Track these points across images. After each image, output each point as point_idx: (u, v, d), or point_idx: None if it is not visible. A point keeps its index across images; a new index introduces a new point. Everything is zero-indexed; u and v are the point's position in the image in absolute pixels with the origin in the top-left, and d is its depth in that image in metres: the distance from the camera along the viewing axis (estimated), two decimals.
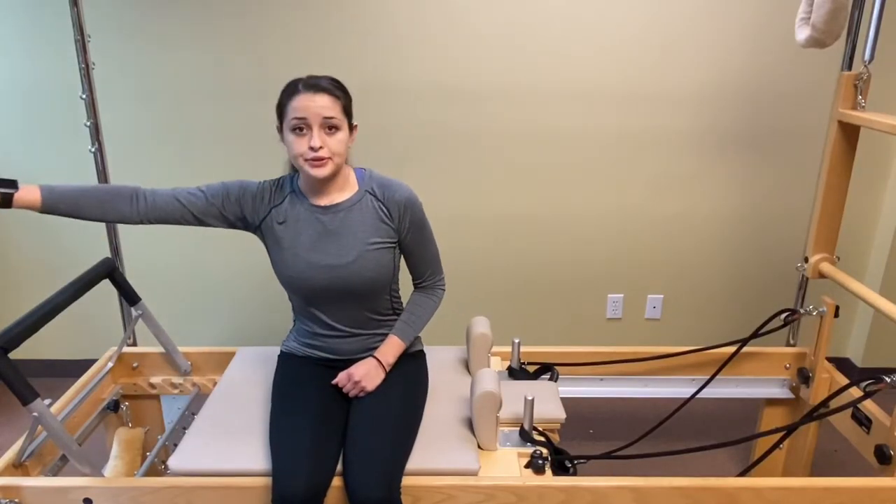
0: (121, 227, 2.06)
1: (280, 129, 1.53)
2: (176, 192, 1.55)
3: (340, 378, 1.59)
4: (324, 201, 1.57)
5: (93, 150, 1.92)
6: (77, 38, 1.81)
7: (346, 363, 1.63)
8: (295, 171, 1.62)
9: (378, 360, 1.61)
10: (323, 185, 1.55)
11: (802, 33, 1.81)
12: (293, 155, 1.49)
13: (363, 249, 1.55)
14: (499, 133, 2.56)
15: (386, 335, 1.65)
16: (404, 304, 1.71)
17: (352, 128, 1.54)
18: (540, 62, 2.47)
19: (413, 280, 1.71)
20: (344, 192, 1.58)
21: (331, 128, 1.47)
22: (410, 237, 1.61)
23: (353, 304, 1.61)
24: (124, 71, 2.48)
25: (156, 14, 2.41)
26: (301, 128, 1.46)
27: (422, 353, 1.76)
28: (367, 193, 1.58)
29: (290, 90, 1.48)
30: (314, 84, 1.47)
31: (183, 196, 1.55)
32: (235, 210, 1.59)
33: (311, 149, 1.45)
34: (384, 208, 1.57)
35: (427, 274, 1.69)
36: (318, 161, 1.47)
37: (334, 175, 1.53)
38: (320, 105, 1.45)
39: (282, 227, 1.57)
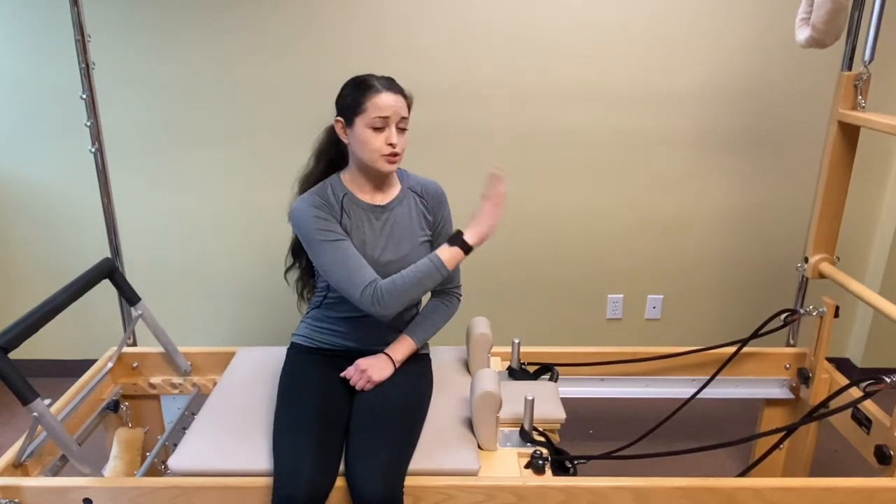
0: (121, 227, 2.06)
1: (347, 125, 1.56)
2: (355, 252, 1.57)
3: (348, 371, 1.62)
4: (378, 199, 1.65)
5: (93, 150, 1.92)
6: (77, 38, 1.81)
7: (359, 354, 1.65)
8: (333, 171, 1.66)
9: (388, 355, 1.64)
10: (381, 180, 1.64)
11: (802, 33, 1.81)
12: (368, 150, 1.54)
13: (414, 243, 1.65)
14: (498, 133, 2.56)
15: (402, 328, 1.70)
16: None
17: None
18: (539, 62, 2.47)
19: None
20: (392, 188, 1.68)
21: (402, 128, 1.56)
22: (441, 232, 1.71)
23: None
24: (124, 71, 2.48)
25: (156, 14, 2.41)
26: (381, 126, 1.52)
27: (427, 356, 1.78)
28: (409, 190, 1.68)
29: (367, 88, 1.53)
30: (393, 85, 1.55)
31: (355, 252, 1.57)
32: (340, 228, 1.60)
33: (391, 145, 1.53)
34: (425, 201, 1.69)
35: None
36: (393, 157, 1.55)
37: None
38: (400, 105, 1.54)
39: (349, 230, 1.61)
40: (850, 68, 1.91)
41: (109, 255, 2.00)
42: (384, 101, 1.51)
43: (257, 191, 2.63)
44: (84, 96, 1.87)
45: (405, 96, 1.57)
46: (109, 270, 1.87)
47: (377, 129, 1.53)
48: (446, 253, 1.56)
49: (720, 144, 2.58)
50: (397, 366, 1.64)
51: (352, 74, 1.60)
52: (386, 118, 1.52)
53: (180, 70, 2.48)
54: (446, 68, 2.47)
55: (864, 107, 1.85)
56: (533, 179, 2.62)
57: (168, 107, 2.52)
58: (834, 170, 1.92)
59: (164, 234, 2.69)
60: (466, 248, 1.57)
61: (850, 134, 1.88)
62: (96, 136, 1.91)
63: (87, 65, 1.84)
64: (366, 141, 1.53)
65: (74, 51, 1.82)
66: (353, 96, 1.54)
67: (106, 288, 1.88)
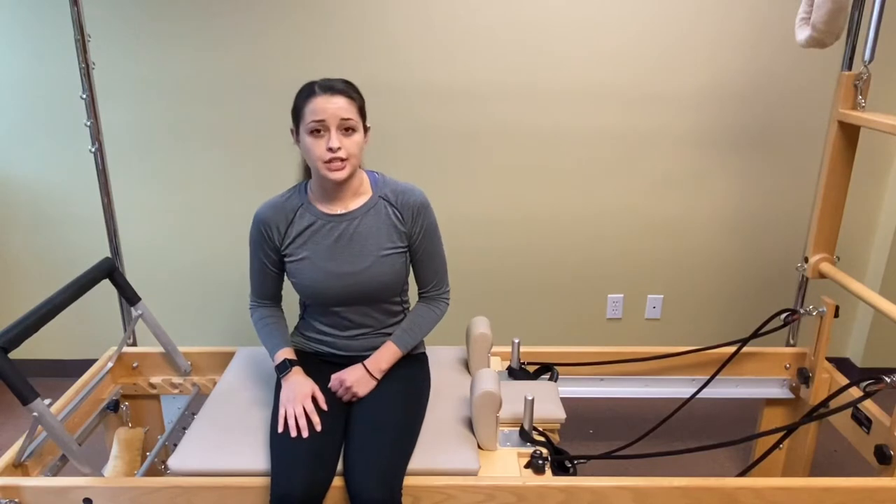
0: (121, 227, 2.06)
1: (295, 133, 1.54)
2: (269, 279, 1.72)
3: (333, 383, 1.59)
4: (338, 209, 1.58)
5: (93, 150, 1.92)
6: (77, 38, 1.81)
7: (351, 359, 1.64)
8: (308, 177, 1.63)
9: (367, 369, 1.60)
10: (338, 189, 1.56)
11: (802, 33, 1.81)
12: (311, 158, 1.49)
13: (377, 255, 1.57)
14: (499, 133, 2.56)
15: (392, 333, 1.67)
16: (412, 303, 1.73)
17: (366, 130, 1.55)
18: (539, 62, 2.47)
19: (418, 289, 1.71)
20: (358, 197, 1.59)
21: (347, 129, 1.48)
22: (420, 242, 1.62)
23: (367, 306, 1.63)
24: (124, 71, 2.48)
25: (156, 14, 2.41)
26: (319, 130, 1.47)
27: (424, 356, 1.77)
28: (381, 199, 1.60)
29: (306, 93, 1.49)
30: (330, 86, 1.48)
31: (272, 276, 1.71)
32: (274, 248, 1.63)
33: (330, 150, 1.46)
34: (398, 213, 1.59)
35: (432, 284, 1.69)
36: (337, 163, 1.47)
37: (350, 178, 1.54)
38: (337, 106, 1.46)
39: (299, 241, 1.59)
40: (850, 68, 1.91)
41: (109, 255, 2.00)
42: (318, 105, 1.45)
43: (257, 190, 2.61)
44: (84, 96, 1.87)
45: (351, 97, 1.48)
46: (109, 270, 1.87)
47: (316, 134, 1.47)
48: (282, 355, 1.62)
49: (720, 144, 2.58)
50: (379, 377, 1.60)
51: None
52: (321, 121, 1.45)
53: (181, 70, 2.48)
54: (446, 69, 2.47)
55: (864, 107, 1.85)
56: (533, 179, 2.62)
57: (168, 106, 2.52)
58: (834, 170, 1.92)
59: (164, 233, 2.69)
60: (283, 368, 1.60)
61: (850, 134, 1.88)
62: (96, 136, 1.91)
63: (87, 65, 1.84)
64: (308, 148, 1.49)
65: (74, 51, 1.82)
66: (295, 104, 1.51)
67: (106, 288, 1.88)
